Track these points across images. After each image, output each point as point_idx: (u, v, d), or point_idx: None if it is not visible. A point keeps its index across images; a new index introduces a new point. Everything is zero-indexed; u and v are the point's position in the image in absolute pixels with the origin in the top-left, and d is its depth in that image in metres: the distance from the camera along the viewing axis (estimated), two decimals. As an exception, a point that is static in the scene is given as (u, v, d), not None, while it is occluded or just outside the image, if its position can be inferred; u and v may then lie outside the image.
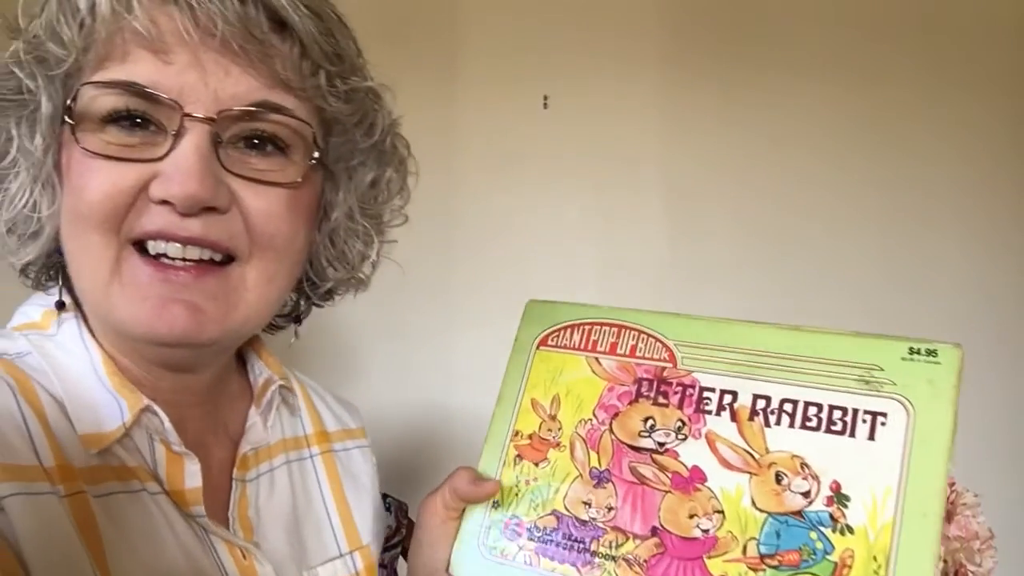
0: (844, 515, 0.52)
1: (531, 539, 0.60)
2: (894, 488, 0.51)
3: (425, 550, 0.64)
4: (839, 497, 0.52)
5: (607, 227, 1.56)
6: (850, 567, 0.50)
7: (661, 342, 0.62)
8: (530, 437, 0.63)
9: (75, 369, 0.54)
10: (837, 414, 0.54)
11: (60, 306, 0.57)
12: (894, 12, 1.57)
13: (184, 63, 0.51)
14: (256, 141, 0.54)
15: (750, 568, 0.53)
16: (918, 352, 0.54)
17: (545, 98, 1.56)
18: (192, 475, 0.55)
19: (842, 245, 1.57)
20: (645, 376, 0.61)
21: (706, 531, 0.55)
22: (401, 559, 1.32)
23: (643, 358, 0.62)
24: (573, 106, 1.56)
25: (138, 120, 0.51)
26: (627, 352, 0.62)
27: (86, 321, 0.57)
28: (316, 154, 0.56)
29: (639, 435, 0.59)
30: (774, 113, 1.56)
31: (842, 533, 0.51)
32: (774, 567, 0.52)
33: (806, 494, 0.53)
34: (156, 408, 0.54)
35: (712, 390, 0.58)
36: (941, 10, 1.56)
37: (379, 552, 0.73)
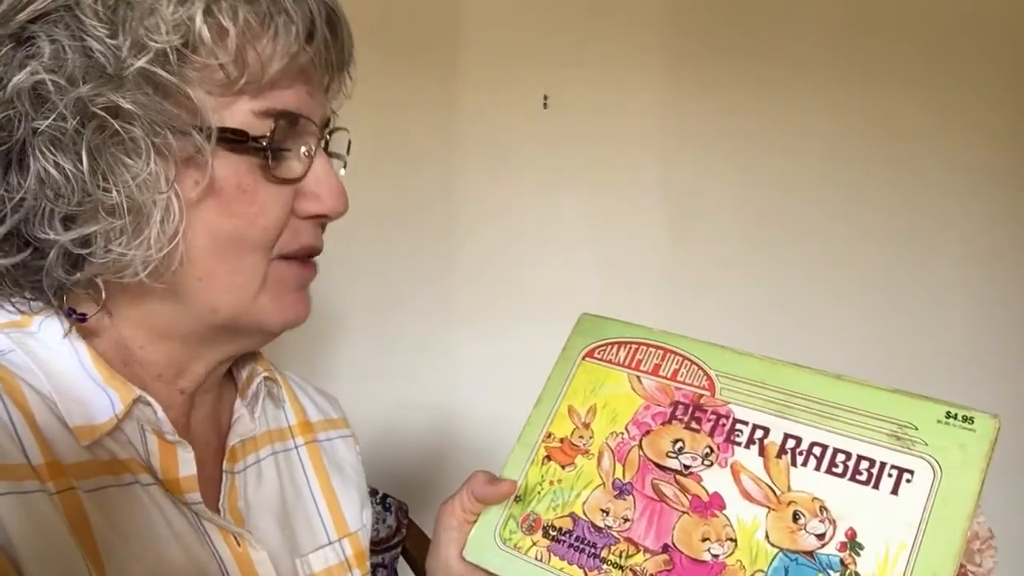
0: (855, 562, 0.52)
1: (545, 536, 0.61)
2: (909, 544, 0.51)
3: (442, 550, 0.65)
4: (853, 544, 0.53)
5: (607, 227, 1.56)
6: None
7: (703, 370, 0.63)
8: (561, 441, 0.64)
9: (61, 365, 0.53)
10: (864, 464, 0.55)
11: (83, 319, 0.55)
12: (896, 12, 1.57)
13: (319, 89, 0.56)
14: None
15: None
16: (955, 417, 0.54)
17: (545, 98, 1.56)
18: (186, 463, 0.55)
19: (842, 246, 1.57)
20: (682, 400, 0.62)
21: (716, 556, 0.56)
22: (402, 559, 1.32)
23: (683, 383, 0.63)
24: (573, 106, 1.56)
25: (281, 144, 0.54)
26: (669, 375, 0.63)
27: (67, 317, 0.55)
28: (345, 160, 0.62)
29: (667, 455, 0.60)
30: (774, 114, 1.57)
31: None
32: None
33: (820, 536, 0.54)
34: (148, 398, 0.54)
35: (745, 423, 0.59)
36: (944, 11, 1.56)
37: (369, 537, 0.74)
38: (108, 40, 0.48)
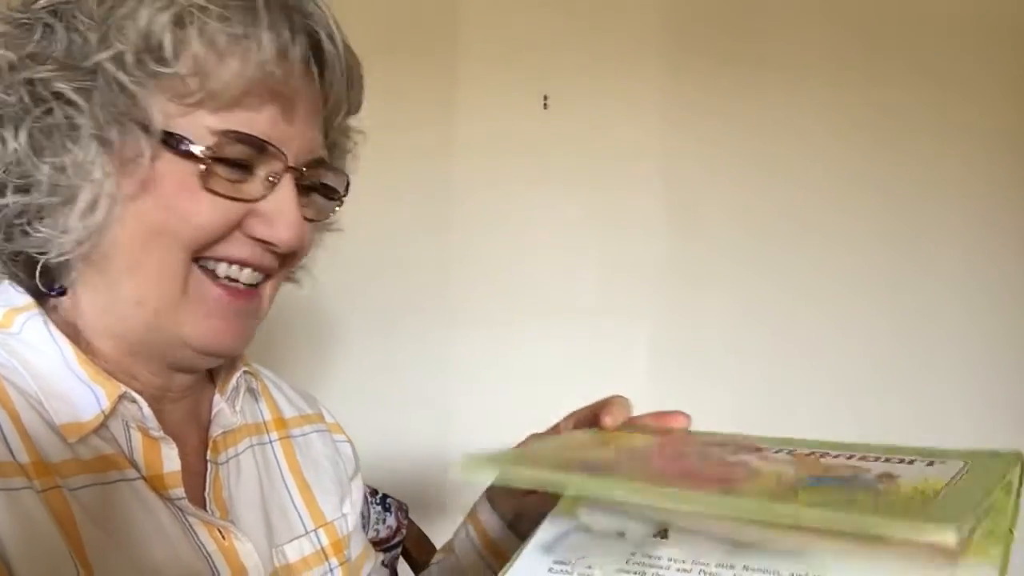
0: (895, 482, 0.45)
1: None
2: (947, 478, 0.44)
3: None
4: (889, 477, 0.46)
5: (607, 227, 1.56)
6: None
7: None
8: None
9: (45, 364, 0.54)
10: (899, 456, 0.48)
11: (62, 292, 0.58)
12: (895, 13, 1.57)
13: (296, 119, 0.57)
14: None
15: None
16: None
17: (545, 98, 1.56)
18: (170, 459, 0.56)
19: (842, 245, 1.57)
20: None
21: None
22: (402, 559, 1.32)
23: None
24: (573, 106, 1.56)
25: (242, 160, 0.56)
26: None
27: (50, 316, 0.57)
28: (343, 200, 0.64)
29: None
30: (774, 113, 1.56)
31: None
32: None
33: (854, 469, 0.48)
34: (134, 395, 0.55)
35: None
36: (942, 11, 1.56)
37: (350, 526, 0.75)
38: (87, 33, 0.51)
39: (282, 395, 0.75)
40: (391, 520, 1.29)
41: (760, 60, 1.56)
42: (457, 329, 1.54)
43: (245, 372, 0.68)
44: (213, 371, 0.67)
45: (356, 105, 0.63)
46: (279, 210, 0.56)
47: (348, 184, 0.63)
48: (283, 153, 0.55)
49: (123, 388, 0.55)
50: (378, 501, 1.30)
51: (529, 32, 1.56)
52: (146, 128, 0.52)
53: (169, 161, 0.53)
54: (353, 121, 0.67)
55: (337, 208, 0.63)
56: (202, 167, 0.53)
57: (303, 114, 0.57)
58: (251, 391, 0.71)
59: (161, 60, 0.51)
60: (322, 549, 0.69)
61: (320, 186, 0.61)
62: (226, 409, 0.65)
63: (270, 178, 0.56)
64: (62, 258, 0.54)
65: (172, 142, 0.53)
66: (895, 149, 1.57)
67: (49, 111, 0.51)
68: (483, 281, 1.55)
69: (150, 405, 0.57)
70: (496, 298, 1.54)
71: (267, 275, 0.60)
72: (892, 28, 1.57)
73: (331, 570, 0.69)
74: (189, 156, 0.53)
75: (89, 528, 0.50)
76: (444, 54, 1.55)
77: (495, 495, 0.72)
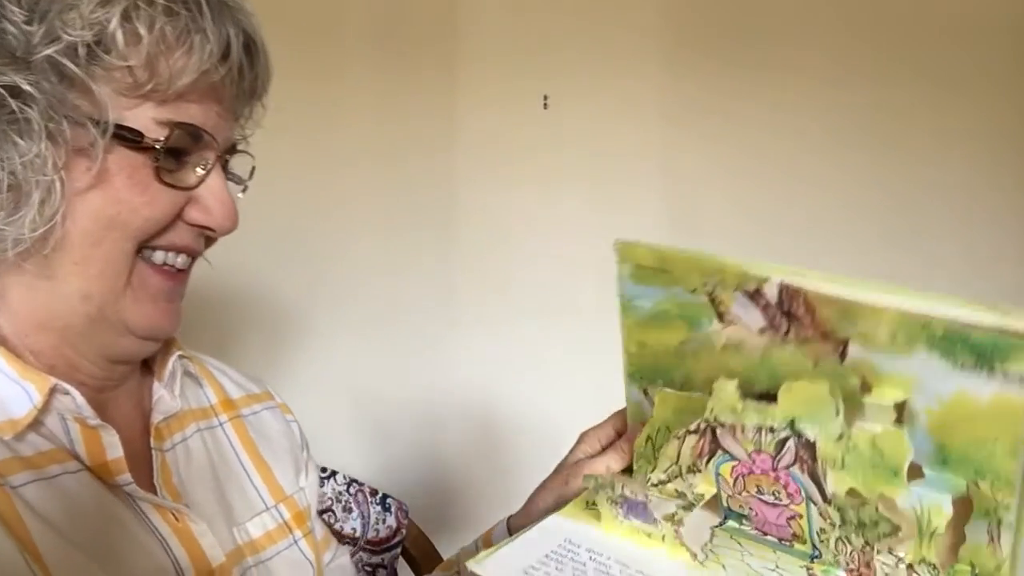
0: None
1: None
2: None
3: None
4: None
5: (607, 227, 1.56)
6: None
7: None
8: None
9: None
10: None
11: None
12: (895, 12, 1.57)
13: (225, 110, 0.59)
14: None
15: None
16: None
17: (545, 98, 1.56)
18: (112, 446, 0.56)
19: (842, 244, 1.57)
20: None
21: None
22: (402, 559, 1.32)
23: None
24: (573, 106, 1.56)
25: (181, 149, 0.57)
26: None
27: None
28: (247, 186, 0.66)
29: None
30: (775, 113, 1.56)
31: None
32: None
33: None
34: (66, 386, 0.55)
35: None
36: (943, 12, 1.56)
37: (310, 500, 0.75)
38: (23, 25, 0.50)
39: (227, 378, 0.76)
40: (391, 520, 1.29)
41: (760, 60, 1.56)
42: (457, 328, 1.54)
43: (180, 356, 0.68)
44: (149, 360, 0.67)
45: (264, 93, 0.65)
46: (215, 197, 0.58)
47: (253, 169, 0.65)
48: (216, 142, 0.58)
49: (54, 381, 0.54)
50: (378, 501, 1.30)
51: (529, 32, 1.56)
52: (96, 121, 0.52)
53: (121, 154, 0.53)
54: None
55: (241, 195, 0.65)
56: (154, 159, 0.54)
57: (228, 104, 0.59)
58: (190, 375, 0.71)
59: (113, 52, 0.51)
60: (285, 523, 0.70)
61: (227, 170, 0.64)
62: (166, 395, 0.65)
63: (201, 166, 0.57)
64: (4, 255, 0.53)
65: (125, 135, 0.53)
66: (895, 148, 1.57)
67: None
68: (483, 280, 1.55)
69: (92, 396, 0.56)
70: (496, 297, 1.54)
71: (193, 258, 0.62)
72: (892, 28, 1.57)
73: (295, 542, 0.70)
74: (142, 148, 0.54)
75: (38, 525, 0.50)
76: (444, 54, 1.55)
77: (516, 519, 0.73)
